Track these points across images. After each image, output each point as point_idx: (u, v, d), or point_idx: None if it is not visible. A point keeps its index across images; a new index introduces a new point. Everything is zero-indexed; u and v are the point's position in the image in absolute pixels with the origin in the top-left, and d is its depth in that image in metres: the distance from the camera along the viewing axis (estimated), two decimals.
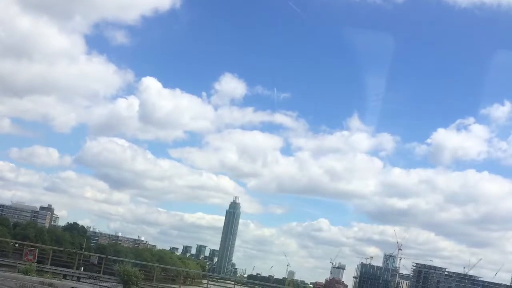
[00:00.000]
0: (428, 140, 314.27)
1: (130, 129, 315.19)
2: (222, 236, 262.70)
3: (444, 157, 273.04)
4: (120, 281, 28.06)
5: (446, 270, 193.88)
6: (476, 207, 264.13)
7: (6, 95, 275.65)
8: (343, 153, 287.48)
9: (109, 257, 42.11)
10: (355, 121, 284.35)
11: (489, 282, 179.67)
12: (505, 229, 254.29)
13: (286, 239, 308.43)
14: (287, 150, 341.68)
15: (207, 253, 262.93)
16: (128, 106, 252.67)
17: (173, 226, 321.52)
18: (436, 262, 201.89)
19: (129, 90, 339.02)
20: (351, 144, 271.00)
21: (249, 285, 70.87)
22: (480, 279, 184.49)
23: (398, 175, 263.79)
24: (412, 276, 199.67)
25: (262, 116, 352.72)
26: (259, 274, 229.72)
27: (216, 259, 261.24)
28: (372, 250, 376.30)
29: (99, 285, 28.94)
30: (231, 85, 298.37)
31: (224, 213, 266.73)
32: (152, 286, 30.45)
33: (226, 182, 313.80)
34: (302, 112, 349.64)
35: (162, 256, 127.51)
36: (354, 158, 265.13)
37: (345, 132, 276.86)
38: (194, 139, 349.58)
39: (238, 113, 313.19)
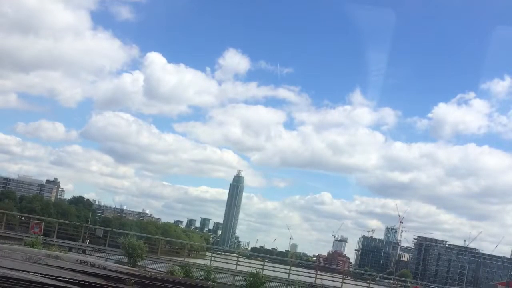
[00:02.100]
0: (429, 115, 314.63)
1: (135, 103, 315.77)
2: (226, 210, 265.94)
3: (445, 131, 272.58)
4: (125, 254, 28.50)
5: (447, 243, 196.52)
6: (477, 180, 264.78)
7: (13, 70, 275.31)
8: (345, 127, 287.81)
9: (114, 230, 42.66)
10: (357, 96, 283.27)
11: (489, 255, 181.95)
12: (505, 202, 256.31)
13: (289, 212, 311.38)
14: (290, 125, 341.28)
15: (211, 226, 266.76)
16: (133, 81, 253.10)
17: (178, 200, 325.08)
18: (437, 235, 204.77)
19: (134, 65, 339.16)
20: (353, 119, 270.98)
21: (253, 257, 71.86)
22: (480, 251, 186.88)
23: (399, 149, 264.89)
24: (413, 248, 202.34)
25: (265, 91, 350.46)
26: (263, 247, 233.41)
27: (220, 232, 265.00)
28: (374, 223, 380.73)
29: (105, 257, 29.40)
30: (234, 60, 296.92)
31: (228, 186, 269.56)
32: (157, 258, 30.93)
33: (230, 156, 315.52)
34: (305, 86, 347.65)
35: (167, 229, 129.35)
36: (356, 132, 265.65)
37: (347, 107, 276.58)
38: (198, 114, 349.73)
39: (241, 87, 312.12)
